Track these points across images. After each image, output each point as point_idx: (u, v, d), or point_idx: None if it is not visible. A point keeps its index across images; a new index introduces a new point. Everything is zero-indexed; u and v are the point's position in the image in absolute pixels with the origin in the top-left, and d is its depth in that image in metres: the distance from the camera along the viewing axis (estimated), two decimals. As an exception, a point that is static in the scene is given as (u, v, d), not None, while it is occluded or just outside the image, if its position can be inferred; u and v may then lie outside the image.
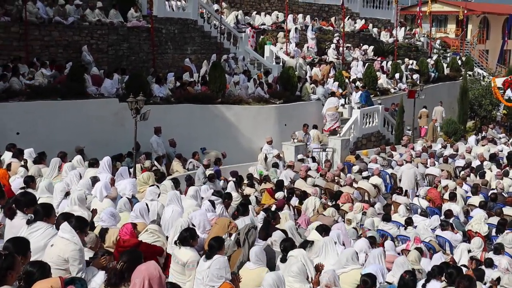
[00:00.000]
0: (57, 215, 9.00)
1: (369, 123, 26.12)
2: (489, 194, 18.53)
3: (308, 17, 34.92)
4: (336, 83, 27.77)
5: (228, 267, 8.39)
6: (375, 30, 39.06)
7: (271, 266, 9.27)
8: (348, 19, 36.94)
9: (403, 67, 33.65)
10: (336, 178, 19.85)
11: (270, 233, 10.97)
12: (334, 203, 16.99)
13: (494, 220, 15.91)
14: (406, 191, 19.54)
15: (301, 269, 8.64)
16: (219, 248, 8.65)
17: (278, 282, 7.72)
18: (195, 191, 12.99)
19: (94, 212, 10.85)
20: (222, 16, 28.52)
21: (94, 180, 12.53)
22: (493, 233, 15.46)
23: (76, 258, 7.52)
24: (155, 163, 18.78)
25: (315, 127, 24.46)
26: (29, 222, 8.28)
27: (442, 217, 16.19)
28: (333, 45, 33.34)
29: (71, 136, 18.58)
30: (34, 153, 15.34)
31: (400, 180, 20.46)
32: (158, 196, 12.11)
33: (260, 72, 27.36)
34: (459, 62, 39.39)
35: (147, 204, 11.18)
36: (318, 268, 9.18)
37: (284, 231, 10.66)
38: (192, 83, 23.36)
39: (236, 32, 29.01)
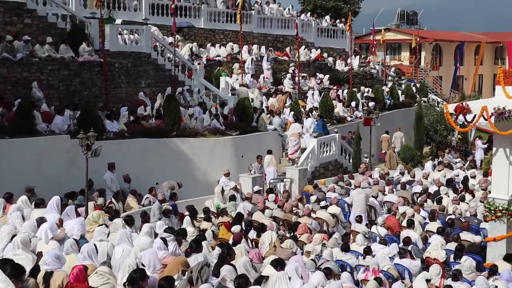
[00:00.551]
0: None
1: (327, 152, 26.08)
2: (446, 220, 18.54)
3: (263, 48, 35.00)
4: (292, 113, 27.73)
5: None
6: (330, 59, 39.41)
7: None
8: (304, 49, 37.20)
9: (359, 95, 33.89)
10: (294, 208, 19.64)
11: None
12: (292, 234, 16.75)
13: (452, 246, 15.89)
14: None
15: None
16: (169, 288, 8.32)
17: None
18: (150, 228, 12.69)
19: (39, 255, 10.44)
20: (176, 48, 28.36)
21: (41, 221, 12.09)
22: (451, 259, 15.39)
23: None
24: (113, 200, 18.38)
25: (269, 152, 24.27)
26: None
27: (401, 244, 16.09)
28: (288, 75, 33.47)
29: (20, 176, 18.20)
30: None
31: (351, 205, 20.36)
32: (108, 236, 11.69)
33: (215, 104, 27.20)
34: (414, 89, 39.91)
35: (95, 245, 10.76)
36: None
37: (234, 266, 10.36)
38: (146, 117, 23.04)
39: (190, 65, 28.86)
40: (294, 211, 19.45)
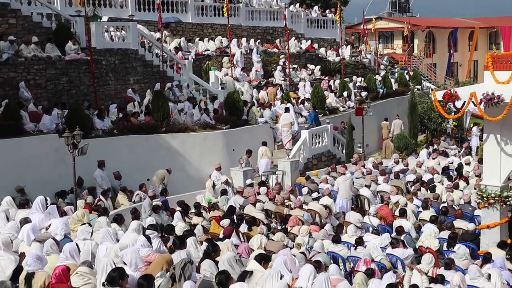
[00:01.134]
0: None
1: (319, 143, 25.88)
2: (440, 208, 18.36)
3: (252, 41, 34.70)
4: (283, 105, 27.49)
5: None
6: (321, 49, 39.14)
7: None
8: (294, 40, 36.94)
9: (351, 85, 33.65)
10: (286, 201, 19.46)
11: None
12: (283, 226, 16.58)
13: (445, 234, 15.70)
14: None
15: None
16: (149, 287, 8.12)
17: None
18: (138, 225, 12.46)
19: (22, 256, 10.27)
20: (164, 44, 28.11)
21: (25, 221, 11.93)
22: (445, 248, 15.21)
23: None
24: (101, 197, 18.22)
25: (264, 143, 24.06)
26: None
27: (394, 234, 15.92)
28: (279, 67, 33.17)
29: (10, 176, 18.20)
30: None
31: (337, 191, 20.17)
32: (91, 235, 11.50)
33: (204, 98, 27.00)
34: (407, 77, 39.67)
35: (77, 244, 10.57)
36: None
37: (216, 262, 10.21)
38: (135, 114, 22.86)
39: (178, 60, 28.62)
40: (286, 204, 19.27)
